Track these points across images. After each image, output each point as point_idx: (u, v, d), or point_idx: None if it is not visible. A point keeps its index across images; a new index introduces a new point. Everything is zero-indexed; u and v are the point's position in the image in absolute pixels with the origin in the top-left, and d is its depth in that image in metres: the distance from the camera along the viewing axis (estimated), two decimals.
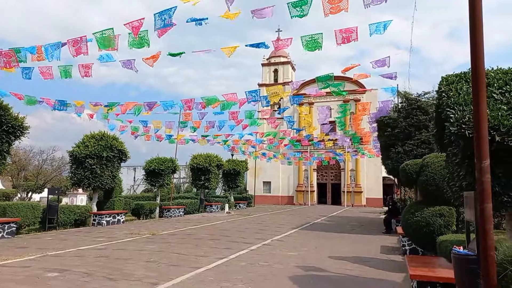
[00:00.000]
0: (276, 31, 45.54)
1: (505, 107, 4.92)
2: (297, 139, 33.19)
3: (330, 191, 44.56)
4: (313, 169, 44.45)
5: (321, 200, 44.70)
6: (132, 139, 24.29)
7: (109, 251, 10.09)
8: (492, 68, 5.60)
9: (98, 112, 17.77)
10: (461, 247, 4.50)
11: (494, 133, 4.81)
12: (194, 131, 22.02)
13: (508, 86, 5.15)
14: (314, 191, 44.38)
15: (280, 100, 44.16)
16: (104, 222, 17.33)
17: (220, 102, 15.54)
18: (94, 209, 18.07)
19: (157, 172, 23.35)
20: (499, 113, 4.87)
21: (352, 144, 34.25)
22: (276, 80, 47.00)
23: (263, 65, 48.37)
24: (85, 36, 10.01)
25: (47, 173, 37.80)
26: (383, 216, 17.94)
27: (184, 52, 10.51)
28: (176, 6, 8.58)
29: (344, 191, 42.65)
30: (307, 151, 41.10)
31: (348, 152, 36.98)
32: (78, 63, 12.27)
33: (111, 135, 18.86)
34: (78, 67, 11.39)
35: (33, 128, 14.17)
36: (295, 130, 33.81)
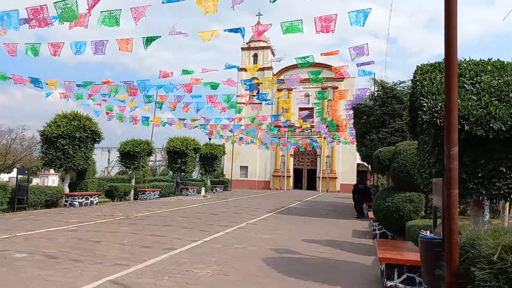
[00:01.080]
0: (256, 15, 45.03)
1: (475, 98, 5.07)
2: (275, 124, 33.30)
3: (306, 176, 45.23)
4: (290, 155, 44.91)
5: (297, 185, 45.37)
6: (106, 120, 23.76)
7: (81, 232, 9.93)
8: (465, 59, 5.74)
9: (72, 91, 17.20)
10: (428, 232, 4.67)
11: (464, 122, 4.97)
12: (173, 110, 21.64)
13: (478, 77, 5.30)
14: (290, 176, 44.94)
15: (259, 85, 44.05)
16: (77, 203, 17.00)
17: (200, 81, 15.32)
18: (66, 190, 17.67)
19: (132, 154, 22.98)
20: (469, 103, 5.03)
21: (328, 131, 34.72)
22: (255, 64, 46.69)
23: (242, 49, 47.88)
24: (46, 5, 9.43)
25: (16, 153, 36.55)
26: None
27: (160, 36, 10.24)
28: None
29: (319, 177, 43.40)
30: (284, 137, 41.36)
31: (325, 138, 37.47)
32: (50, 40, 11.74)
33: (84, 115, 18.34)
34: (48, 45, 10.89)
35: (1, 106, 13.58)
36: (273, 118, 33.92)
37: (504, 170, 5.01)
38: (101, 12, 9.37)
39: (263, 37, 46.54)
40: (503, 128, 4.81)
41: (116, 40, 10.43)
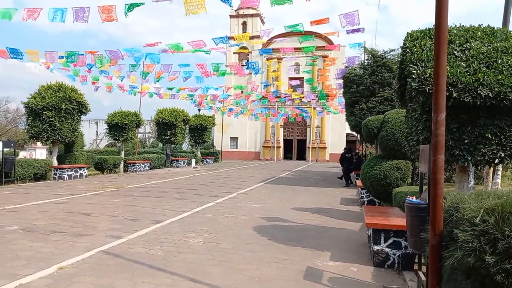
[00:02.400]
0: None
1: (464, 64, 5.05)
2: (264, 95, 33.07)
3: (295, 147, 45.51)
4: (280, 126, 44.94)
5: (287, 155, 45.71)
6: (93, 91, 23.32)
7: (71, 205, 9.93)
8: (455, 26, 5.68)
9: (55, 62, 16.72)
10: (414, 197, 4.77)
11: (452, 89, 4.98)
12: (158, 81, 21.23)
13: (468, 44, 5.27)
14: (280, 147, 45.17)
15: (248, 54, 43.38)
16: (66, 176, 16.91)
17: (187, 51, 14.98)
18: (55, 163, 17.52)
19: (121, 126, 22.74)
20: (458, 70, 5.01)
21: (318, 100, 34.67)
22: (245, 32, 45.70)
23: (231, 16, 46.69)
24: None
25: (1, 126, 35.85)
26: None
27: (144, 3, 9.85)
28: None
29: (309, 147, 43.72)
30: (274, 107, 41.24)
31: (315, 108, 37.47)
32: (29, 6, 11.23)
33: (69, 86, 17.92)
34: (24, 12, 10.42)
35: None
36: (262, 85, 33.64)
37: (490, 136, 5.08)
38: None
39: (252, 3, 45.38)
40: (490, 95, 4.83)
41: (98, 7, 10.02)
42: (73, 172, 17.50)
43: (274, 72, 32.35)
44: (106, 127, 23.90)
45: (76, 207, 9.57)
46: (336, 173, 23.18)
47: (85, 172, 18.35)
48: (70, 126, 17.61)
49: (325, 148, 43.59)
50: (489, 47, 5.16)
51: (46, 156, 25.06)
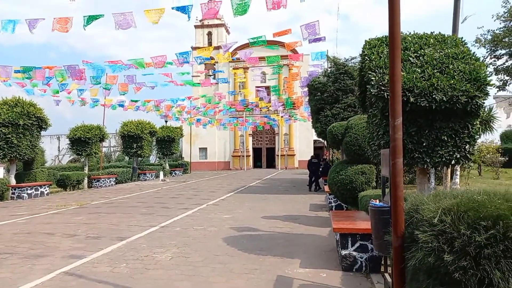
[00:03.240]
0: None
1: (419, 70, 5.27)
2: (232, 104, 33.10)
3: (265, 155, 45.73)
4: (249, 134, 45.05)
5: (257, 164, 45.81)
6: (54, 104, 22.43)
7: (31, 225, 9.43)
8: (410, 33, 5.93)
9: (10, 77, 15.98)
10: (377, 200, 4.88)
11: (409, 94, 5.17)
12: (123, 94, 20.72)
13: (422, 50, 5.51)
14: (249, 155, 45.23)
15: (214, 64, 43.35)
16: (25, 195, 16.09)
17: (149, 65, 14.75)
18: (13, 181, 16.64)
19: (84, 141, 21.95)
20: (414, 76, 5.22)
21: (285, 109, 35.09)
22: (210, 43, 45.72)
23: (196, 27, 46.58)
24: None
25: None
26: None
27: (103, 15, 9.64)
28: None
29: (278, 155, 44.05)
30: (242, 117, 41.31)
31: (282, 116, 37.89)
32: None
33: (27, 101, 17.16)
34: None
35: None
36: (230, 95, 33.69)
37: (446, 139, 5.30)
38: None
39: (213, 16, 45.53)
40: (445, 99, 5.05)
41: (54, 18, 9.69)
42: (33, 190, 16.68)
43: (241, 81, 32.51)
44: (68, 142, 23.02)
45: (36, 227, 9.10)
46: (305, 180, 23.43)
47: (46, 190, 17.54)
48: (29, 143, 16.83)
49: (294, 155, 44.07)
50: (441, 53, 5.42)
51: (3, 175, 23.76)
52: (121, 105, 24.35)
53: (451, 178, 10.80)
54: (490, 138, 15.13)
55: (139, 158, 28.79)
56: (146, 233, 8.12)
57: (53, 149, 48.76)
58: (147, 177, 27.71)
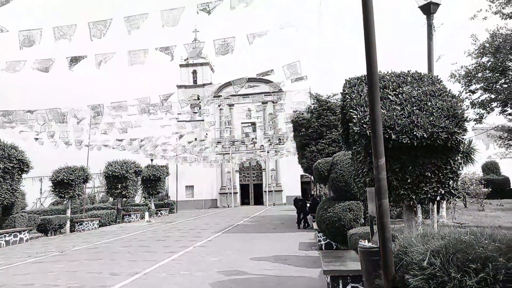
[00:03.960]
0: (193, 32, 44.90)
1: (398, 108, 5.39)
2: (218, 141, 33.17)
3: (252, 191, 45.32)
4: (236, 171, 44.82)
5: (244, 201, 45.28)
6: (37, 145, 22.05)
7: (6, 277, 8.93)
8: (388, 72, 6.11)
9: None
10: (366, 240, 4.81)
11: (391, 132, 5.24)
12: (106, 134, 20.55)
13: (400, 88, 5.66)
14: (237, 192, 44.76)
15: (200, 102, 43.79)
16: (3, 242, 15.38)
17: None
18: None
19: (67, 183, 21.41)
20: (394, 113, 5.32)
21: (271, 144, 35.31)
22: (195, 81, 46.33)
23: (181, 66, 47.29)
24: None
25: None
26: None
27: (86, 56, 9.75)
28: None
29: (265, 191, 43.71)
30: (228, 153, 41.31)
31: (268, 152, 38.03)
32: None
33: (9, 143, 16.82)
34: None
35: None
36: (217, 132, 33.84)
37: (429, 175, 5.34)
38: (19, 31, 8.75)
39: (202, 53, 46.56)
40: (425, 135, 5.13)
41: (36, 60, 9.74)
42: (12, 237, 15.98)
43: (227, 119, 32.85)
44: (51, 184, 22.42)
45: (12, 279, 8.61)
46: (293, 216, 23.15)
47: (25, 236, 16.82)
48: (9, 187, 16.34)
49: (281, 191, 43.80)
50: (419, 91, 5.57)
51: None
52: (105, 145, 24.08)
53: (438, 211, 10.83)
54: (472, 170, 15.38)
55: (124, 199, 28.14)
56: (130, 281, 7.76)
57: (35, 191, 47.36)
58: (132, 218, 26.98)
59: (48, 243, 15.73)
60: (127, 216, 26.86)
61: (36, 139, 19.82)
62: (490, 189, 18.83)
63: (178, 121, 26.32)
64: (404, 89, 5.69)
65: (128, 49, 11.35)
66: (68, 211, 21.91)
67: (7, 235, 15.76)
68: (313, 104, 17.77)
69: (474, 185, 16.65)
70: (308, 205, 17.55)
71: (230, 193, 43.90)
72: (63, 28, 8.69)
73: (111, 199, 33.49)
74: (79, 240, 16.07)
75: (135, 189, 28.05)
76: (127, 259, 10.58)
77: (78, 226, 21.13)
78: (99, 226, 22.79)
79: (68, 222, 20.93)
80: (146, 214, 27.24)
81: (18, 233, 16.39)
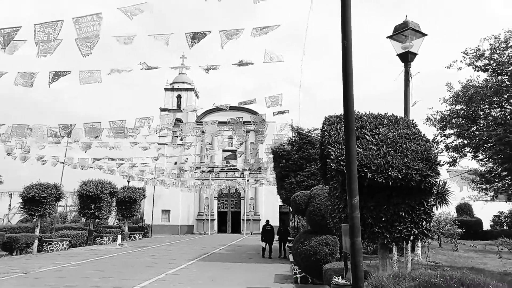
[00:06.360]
0: (180, 58, 45.44)
1: (375, 148, 5.57)
2: (198, 166, 32.96)
3: (230, 219, 44.73)
4: (214, 197, 44.32)
5: (221, 228, 44.55)
6: (8, 159, 21.35)
7: None
8: (365, 113, 6.35)
9: None
10: (340, 277, 4.83)
11: (366, 170, 5.39)
12: (86, 151, 20.19)
13: (377, 129, 5.87)
14: (214, 219, 44.08)
15: (182, 126, 43.72)
16: None
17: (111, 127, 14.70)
18: None
19: (38, 200, 20.70)
20: (370, 153, 5.50)
21: (251, 173, 35.30)
22: (179, 105, 46.41)
23: (166, 89, 47.45)
24: None
25: None
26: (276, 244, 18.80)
27: (70, 72, 9.74)
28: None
29: (243, 219, 43.23)
30: (208, 179, 40.99)
31: (248, 180, 37.93)
32: None
33: None
34: None
35: None
36: (196, 157, 33.67)
37: (403, 214, 5.47)
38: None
39: (187, 78, 46.96)
40: (400, 176, 5.30)
41: (18, 72, 9.64)
42: None
43: (208, 144, 32.84)
44: (21, 201, 21.61)
45: None
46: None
47: None
48: None
49: (260, 220, 43.36)
50: (394, 133, 5.79)
51: None
52: (82, 167, 23.64)
53: (413, 250, 10.98)
54: (447, 211, 15.77)
55: (97, 220, 27.30)
56: None
57: (3, 207, 45.48)
58: (104, 240, 26.12)
59: (11, 263, 15.00)
60: (98, 238, 26.00)
61: (8, 154, 19.21)
62: (464, 230, 19.26)
63: (158, 143, 26.12)
64: (380, 130, 5.91)
65: (113, 67, 11.40)
66: (37, 230, 21.07)
67: None
68: (294, 136, 18.06)
69: (449, 225, 17.02)
70: (274, 234, 17.99)
71: (208, 219, 43.21)
72: (47, 44, 8.66)
73: (83, 219, 32.44)
74: (46, 261, 15.40)
75: (109, 210, 27.32)
76: (94, 284, 10.19)
77: (46, 246, 20.31)
78: (69, 247, 21.95)
79: (36, 241, 20.10)
80: (119, 237, 26.42)
81: None
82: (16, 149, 19.54)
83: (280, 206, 42.28)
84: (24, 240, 19.30)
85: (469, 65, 12.54)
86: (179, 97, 47.35)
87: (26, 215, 26.82)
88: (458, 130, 13.00)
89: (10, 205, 46.22)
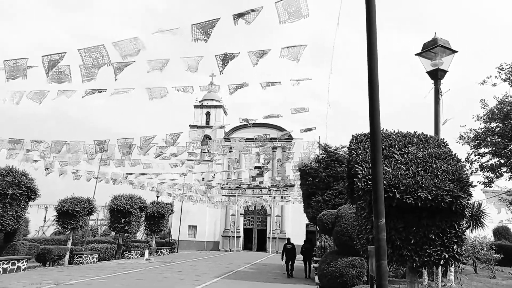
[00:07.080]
0: (210, 76, 46.45)
1: (403, 167, 5.45)
2: (225, 183, 33.16)
3: (256, 237, 44.40)
4: (240, 214, 44.26)
5: (247, 246, 44.25)
6: (45, 175, 22.33)
7: None
8: (394, 131, 6.24)
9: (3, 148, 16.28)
10: None
11: (395, 190, 5.27)
12: (118, 166, 20.88)
13: (406, 148, 5.75)
14: (240, 236, 43.91)
15: (209, 143, 44.35)
16: (0, 269, 15.21)
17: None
18: None
19: (71, 213, 21.41)
20: (399, 173, 5.38)
21: (278, 190, 35.09)
22: (208, 122, 47.24)
23: (195, 107, 48.52)
24: None
25: None
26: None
27: (106, 90, 10.22)
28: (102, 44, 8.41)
29: (269, 237, 42.78)
30: (235, 195, 41.06)
31: (275, 198, 37.70)
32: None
33: (20, 170, 17.13)
34: None
35: None
36: (223, 174, 33.94)
37: (433, 237, 5.28)
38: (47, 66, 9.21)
39: (216, 96, 47.84)
40: (429, 197, 5.14)
41: (59, 91, 10.22)
42: (10, 265, 15.80)
43: (235, 161, 33.11)
44: (55, 214, 22.42)
45: None
46: (296, 266, 22.51)
47: (23, 265, 16.62)
48: (14, 213, 16.43)
49: (286, 238, 42.85)
50: (424, 153, 5.65)
51: None
52: (114, 181, 24.33)
53: (445, 275, 10.46)
54: (483, 234, 14.94)
55: (126, 234, 27.84)
56: None
57: (39, 219, 47.24)
58: (132, 254, 26.53)
59: (44, 274, 15.49)
60: (127, 252, 26.44)
61: (47, 168, 20.11)
62: (502, 256, 18.13)
63: (187, 160, 26.57)
64: (410, 149, 5.79)
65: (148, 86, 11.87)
66: (69, 242, 21.72)
67: (5, 262, 15.61)
68: (321, 154, 17.91)
69: (485, 249, 16.10)
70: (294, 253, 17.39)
71: (233, 236, 43.10)
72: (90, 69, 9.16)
73: (113, 233, 33.17)
74: (77, 274, 15.80)
75: (138, 224, 27.84)
76: None
77: (77, 258, 20.85)
78: (98, 260, 22.44)
79: (68, 253, 20.69)
80: (146, 252, 26.78)
81: (16, 261, 16.22)
82: (54, 164, 20.43)
83: (307, 225, 41.58)
84: (56, 252, 19.92)
85: (504, 80, 12.08)
86: (208, 114, 48.25)
87: (60, 228, 27.73)
88: (494, 148, 12.44)
89: (45, 217, 47.98)
